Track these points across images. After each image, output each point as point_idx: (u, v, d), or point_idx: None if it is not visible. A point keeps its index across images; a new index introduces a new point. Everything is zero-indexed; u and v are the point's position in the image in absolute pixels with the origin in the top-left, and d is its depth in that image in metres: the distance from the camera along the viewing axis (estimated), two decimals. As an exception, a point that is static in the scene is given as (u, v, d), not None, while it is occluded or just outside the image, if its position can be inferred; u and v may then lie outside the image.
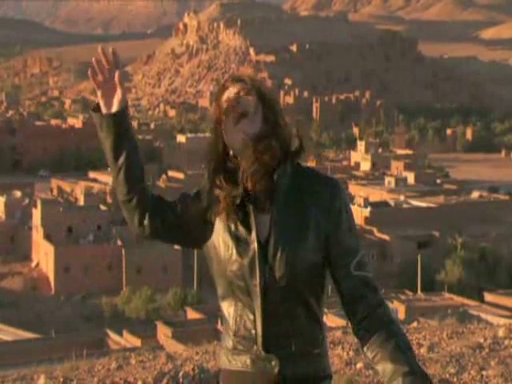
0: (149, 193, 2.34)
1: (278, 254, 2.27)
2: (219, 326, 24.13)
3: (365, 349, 2.31)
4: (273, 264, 2.27)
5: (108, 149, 2.30)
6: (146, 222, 2.32)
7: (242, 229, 2.31)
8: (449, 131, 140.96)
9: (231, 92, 2.33)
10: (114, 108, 2.29)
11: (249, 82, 2.35)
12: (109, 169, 2.35)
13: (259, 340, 2.30)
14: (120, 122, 2.29)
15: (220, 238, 2.32)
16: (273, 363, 2.30)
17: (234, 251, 2.29)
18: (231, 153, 2.33)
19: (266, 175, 2.29)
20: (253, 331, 2.31)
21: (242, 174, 2.29)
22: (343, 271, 2.33)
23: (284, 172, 2.32)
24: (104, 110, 2.30)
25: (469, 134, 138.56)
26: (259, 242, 2.29)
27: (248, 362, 2.32)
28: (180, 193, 2.40)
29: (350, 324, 2.38)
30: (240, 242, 2.30)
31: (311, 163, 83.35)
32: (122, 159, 2.29)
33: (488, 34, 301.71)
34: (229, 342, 2.36)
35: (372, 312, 2.30)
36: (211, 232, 2.34)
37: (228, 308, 2.35)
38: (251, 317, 2.31)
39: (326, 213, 2.32)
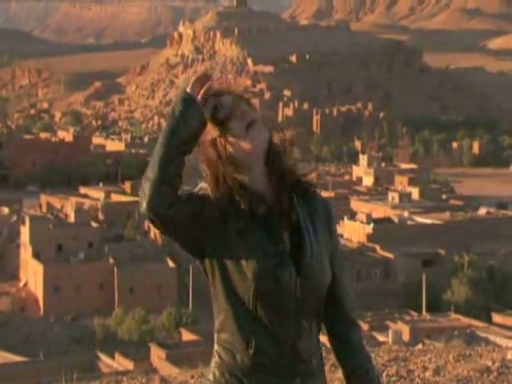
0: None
1: (310, 271, 2.34)
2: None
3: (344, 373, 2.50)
4: (304, 280, 2.34)
5: (181, 132, 2.33)
6: (176, 205, 2.31)
7: (266, 242, 2.33)
8: (455, 144, 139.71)
9: (227, 101, 2.35)
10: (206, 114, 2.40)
11: (236, 93, 2.40)
12: (161, 145, 2.34)
13: (288, 357, 2.32)
14: (204, 124, 2.37)
15: (241, 253, 2.32)
16: (297, 381, 2.35)
17: (264, 266, 2.30)
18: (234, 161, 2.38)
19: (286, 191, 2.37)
20: (279, 347, 2.32)
21: (261, 188, 2.35)
22: (343, 290, 2.46)
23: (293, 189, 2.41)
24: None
25: (476, 148, 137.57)
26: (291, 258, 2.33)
27: (269, 381, 2.33)
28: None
29: (330, 340, 2.50)
30: (268, 256, 2.32)
31: (312, 176, 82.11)
32: (186, 148, 2.34)
33: (496, 43, 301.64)
34: (239, 359, 2.31)
35: (358, 347, 2.47)
36: (222, 248, 2.35)
37: (245, 324, 2.32)
38: (277, 332, 2.32)
39: (328, 232, 2.45)
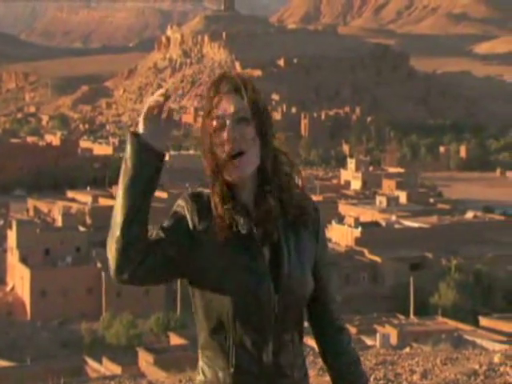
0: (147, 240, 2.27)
1: (289, 285, 2.31)
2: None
3: (332, 378, 2.49)
4: (283, 294, 2.31)
5: (139, 186, 2.20)
6: (146, 261, 2.22)
7: (246, 259, 2.29)
8: (442, 149, 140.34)
9: (227, 111, 2.24)
10: (162, 147, 2.24)
11: (247, 97, 2.27)
12: (120, 200, 2.22)
13: (270, 372, 2.30)
14: (162, 162, 2.24)
15: (218, 272, 2.28)
16: None
17: (243, 283, 2.28)
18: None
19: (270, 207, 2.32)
20: (259, 364, 2.30)
21: (242, 205, 2.30)
22: (329, 296, 2.44)
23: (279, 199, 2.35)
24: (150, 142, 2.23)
25: (463, 152, 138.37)
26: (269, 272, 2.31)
27: None
28: (159, 225, 2.33)
29: (318, 345, 2.50)
30: (247, 273, 2.28)
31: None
32: (147, 196, 2.23)
33: (482, 48, 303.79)
34: (221, 377, 2.30)
35: (347, 349, 2.46)
36: (201, 264, 2.31)
37: (224, 342, 2.30)
38: (258, 349, 2.30)
39: (314, 237, 2.40)
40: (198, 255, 2.29)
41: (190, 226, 2.30)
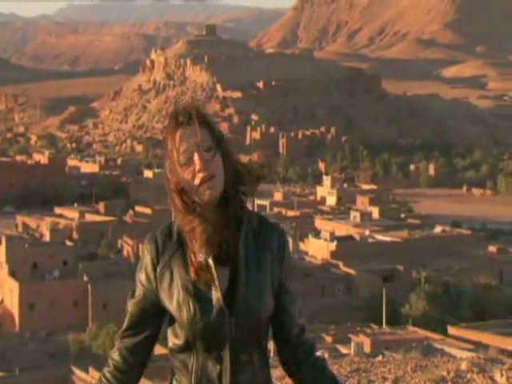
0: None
1: (245, 308, 2.34)
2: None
3: None
4: (240, 317, 2.33)
5: None
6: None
7: (200, 286, 2.34)
8: (412, 167, 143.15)
9: (190, 143, 2.28)
10: None
11: (205, 126, 2.30)
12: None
13: None
14: None
15: (175, 301, 2.36)
16: None
17: (198, 311, 2.32)
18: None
19: (229, 231, 2.33)
20: (218, 383, 2.36)
21: (204, 229, 2.31)
22: (290, 320, 2.45)
23: (243, 224, 2.37)
24: None
25: (431, 170, 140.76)
26: (222, 297, 2.33)
27: None
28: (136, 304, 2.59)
29: (284, 365, 2.54)
30: (201, 300, 2.33)
31: (278, 196, 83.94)
32: None
33: (449, 72, 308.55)
34: None
35: (308, 359, 2.49)
36: (164, 298, 2.40)
37: (186, 361, 2.38)
38: (216, 369, 2.35)
39: (279, 262, 2.42)
40: (161, 290, 2.40)
41: (153, 266, 2.43)
